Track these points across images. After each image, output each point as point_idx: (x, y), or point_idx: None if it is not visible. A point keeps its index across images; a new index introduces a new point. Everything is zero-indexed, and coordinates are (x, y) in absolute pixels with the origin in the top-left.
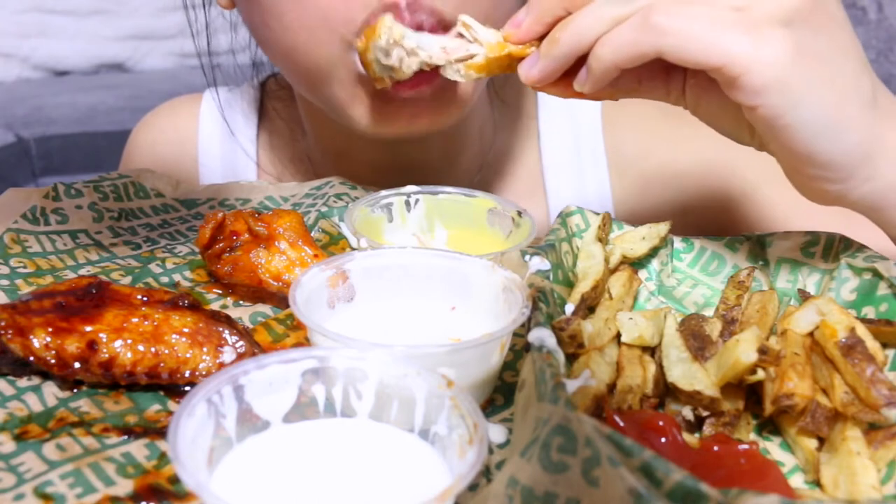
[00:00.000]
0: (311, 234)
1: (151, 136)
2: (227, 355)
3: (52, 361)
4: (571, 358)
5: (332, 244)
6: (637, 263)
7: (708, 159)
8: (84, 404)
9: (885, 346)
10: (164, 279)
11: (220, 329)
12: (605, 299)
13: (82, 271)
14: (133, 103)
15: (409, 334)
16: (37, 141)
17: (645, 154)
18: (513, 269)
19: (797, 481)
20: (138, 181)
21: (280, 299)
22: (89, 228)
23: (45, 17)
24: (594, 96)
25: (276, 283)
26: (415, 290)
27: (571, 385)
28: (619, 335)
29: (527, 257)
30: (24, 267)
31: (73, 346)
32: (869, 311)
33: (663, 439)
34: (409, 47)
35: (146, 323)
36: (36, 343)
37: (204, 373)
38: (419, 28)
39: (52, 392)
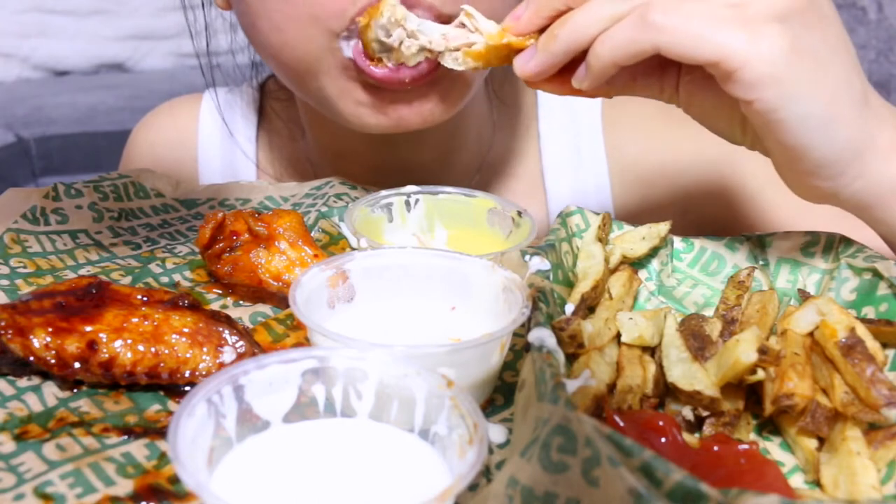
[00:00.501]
0: (311, 234)
1: (151, 136)
2: (227, 355)
3: (52, 361)
4: (571, 358)
5: (332, 244)
6: (637, 263)
7: (708, 159)
8: (84, 404)
9: (885, 346)
10: (164, 279)
11: (220, 329)
12: (605, 299)
13: (82, 271)
14: (133, 103)
15: (409, 334)
16: (37, 141)
17: (645, 154)
18: (513, 269)
19: (797, 481)
20: (138, 181)
21: (280, 299)
22: (89, 228)
23: (45, 17)
24: (590, 94)
25: (276, 283)
26: (415, 290)
27: (571, 385)
28: (619, 335)
29: (527, 257)
30: (24, 267)
31: (73, 346)
32: (869, 311)
33: (663, 439)
34: (410, 29)
35: (146, 323)
36: (36, 343)
37: (204, 373)
38: None
39: (52, 392)
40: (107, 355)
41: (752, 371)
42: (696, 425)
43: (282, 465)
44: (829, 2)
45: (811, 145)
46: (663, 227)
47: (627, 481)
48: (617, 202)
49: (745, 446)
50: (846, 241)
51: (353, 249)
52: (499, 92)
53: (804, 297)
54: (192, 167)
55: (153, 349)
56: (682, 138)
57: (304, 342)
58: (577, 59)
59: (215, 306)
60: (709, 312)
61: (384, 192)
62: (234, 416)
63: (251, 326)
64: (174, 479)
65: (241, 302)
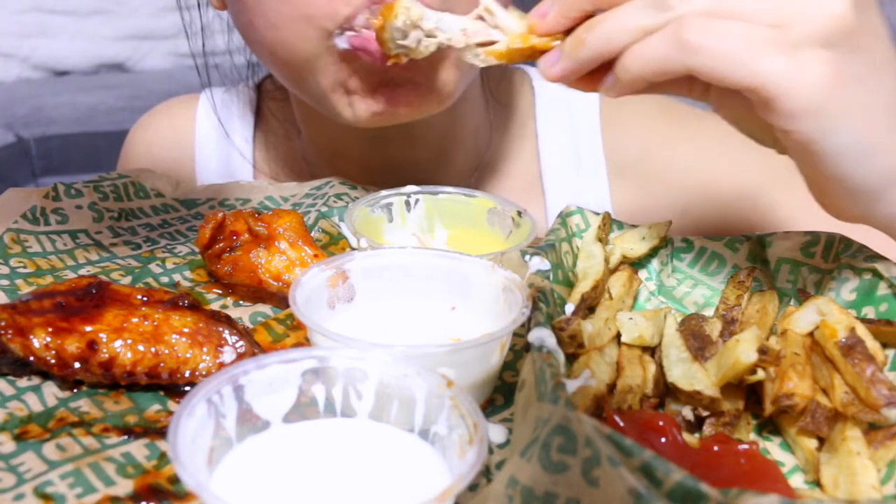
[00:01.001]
0: (311, 234)
1: (148, 136)
2: (227, 355)
3: (52, 361)
4: (571, 358)
5: (332, 244)
6: (637, 263)
7: (708, 159)
8: (84, 404)
9: (885, 346)
10: (164, 279)
11: (220, 329)
12: (605, 299)
13: (82, 271)
14: (133, 103)
15: (409, 334)
16: (37, 141)
17: (644, 153)
18: (513, 269)
19: (797, 481)
20: (138, 181)
21: (280, 299)
22: (89, 228)
23: (45, 17)
24: (614, 94)
25: (276, 283)
26: (415, 290)
27: (571, 385)
28: (619, 335)
29: (527, 257)
30: (24, 267)
31: (73, 346)
32: (869, 311)
33: (663, 439)
34: (427, 28)
35: (146, 323)
36: (36, 343)
37: (204, 373)
38: None
39: (52, 392)
40: (107, 355)
41: (752, 371)
42: (696, 425)
43: (282, 466)
44: (879, 17)
45: (849, 174)
46: (663, 227)
47: (627, 481)
48: (616, 202)
49: (745, 446)
50: (846, 241)
51: (353, 249)
52: (495, 92)
53: (804, 297)
54: (190, 167)
55: (153, 349)
56: (683, 138)
57: (304, 342)
58: (604, 62)
59: (215, 306)
60: (709, 312)
61: (384, 192)
62: (234, 416)
63: (251, 326)
64: (174, 479)
65: (241, 302)
